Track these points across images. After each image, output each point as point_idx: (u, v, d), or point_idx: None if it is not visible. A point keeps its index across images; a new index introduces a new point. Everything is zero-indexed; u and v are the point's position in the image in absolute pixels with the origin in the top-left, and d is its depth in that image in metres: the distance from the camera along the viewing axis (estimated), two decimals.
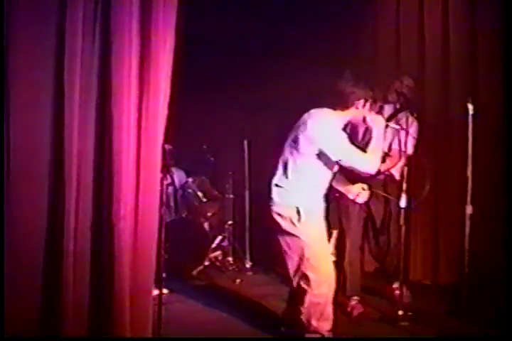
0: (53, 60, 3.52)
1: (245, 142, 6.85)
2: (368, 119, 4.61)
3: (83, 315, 3.59)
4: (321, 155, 4.49)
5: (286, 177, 4.56)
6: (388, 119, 5.35)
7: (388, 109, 5.44)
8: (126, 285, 3.61)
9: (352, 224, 5.42)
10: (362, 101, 4.53)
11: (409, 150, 5.21)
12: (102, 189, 3.61)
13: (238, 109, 7.36)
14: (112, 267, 3.58)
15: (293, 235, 4.53)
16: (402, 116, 5.30)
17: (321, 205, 4.70)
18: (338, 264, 5.43)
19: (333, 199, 5.33)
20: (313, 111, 4.60)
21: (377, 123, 4.60)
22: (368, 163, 4.53)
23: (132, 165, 3.61)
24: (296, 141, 4.53)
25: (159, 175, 3.81)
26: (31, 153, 3.52)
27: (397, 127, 4.99)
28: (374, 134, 4.59)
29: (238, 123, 7.15)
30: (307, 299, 4.53)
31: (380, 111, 5.43)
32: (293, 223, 4.51)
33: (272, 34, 7.52)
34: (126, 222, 3.59)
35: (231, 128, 7.23)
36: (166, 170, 4.05)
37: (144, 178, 3.66)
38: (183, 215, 6.82)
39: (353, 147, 4.49)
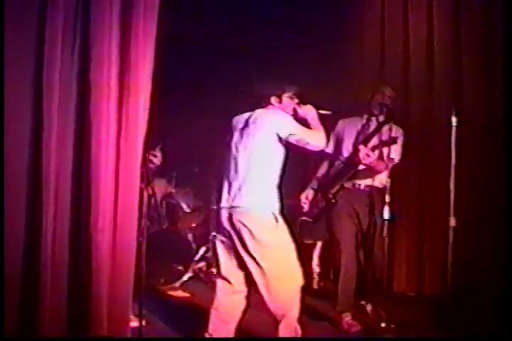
0: (32, 69, 3.50)
1: None
2: (299, 111, 4.62)
3: (61, 328, 3.55)
4: (271, 147, 4.46)
5: (238, 180, 4.47)
6: (373, 132, 5.37)
7: (373, 122, 5.45)
8: (104, 298, 3.59)
9: (345, 235, 5.39)
10: (274, 98, 4.58)
11: (396, 160, 5.21)
12: (80, 200, 3.58)
13: (224, 119, 7.33)
14: (89, 279, 3.55)
15: (264, 243, 4.36)
16: (386, 127, 5.30)
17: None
18: (334, 277, 5.45)
19: (324, 210, 5.34)
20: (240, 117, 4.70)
21: (308, 110, 4.62)
22: (317, 136, 4.52)
23: (111, 176, 3.59)
24: (244, 141, 4.53)
25: (138, 187, 3.77)
26: (9, 163, 3.48)
27: (328, 113, 4.93)
28: (309, 120, 4.60)
29: (223, 134, 7.11)
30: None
31: (367, 123, 5.46)
32: (268, 230, 4.38)
33: (259, 45, 7.54)
34: (105, 234, 3.56)
35: (216, 138, 7.19)
36: (146, 181, 4.03)
37: (123, 190, 3.64)
38: (167, 226, 6.78)
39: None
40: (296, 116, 4.62)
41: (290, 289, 4.45)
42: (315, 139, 4.51)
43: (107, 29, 3.54)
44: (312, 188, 5.57)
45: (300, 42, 7.22)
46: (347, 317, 5.31)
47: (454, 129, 5.00)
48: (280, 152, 4.51)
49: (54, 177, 3.51)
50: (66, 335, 3.54)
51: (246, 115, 4.66)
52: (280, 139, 4.44)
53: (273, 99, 4.60)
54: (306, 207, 5.50)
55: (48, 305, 3.50)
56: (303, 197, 5.55)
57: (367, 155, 5.08)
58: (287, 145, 4.47)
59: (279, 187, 4.54)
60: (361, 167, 5.21)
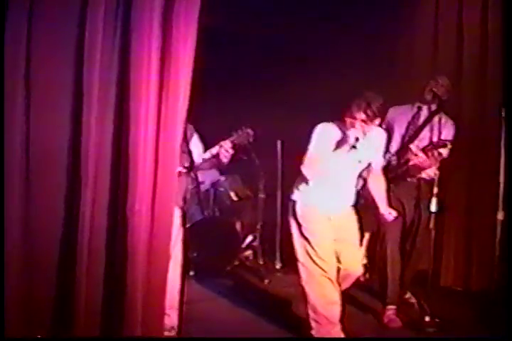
0: (73, 59, 3.53)
1: (279, 142, 6.79)
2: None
3: (96, 310, 3.57)
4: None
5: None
6: (424, 124, 5.31)
7: (424, 111, 5.40)
8: (140, 282, 3.60)
9: (390, 227, 5.34)
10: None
11: (444, 153, 5.12)
12: (119, 183, 3.58)
13: (273, 108, 7.32)
14: (125, 262, 3.57)
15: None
16: (437, 118, 5.25)
17: (328, 205, 4.83)
18: (379, 269, 5.40)
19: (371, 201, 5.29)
20: None
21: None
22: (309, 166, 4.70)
23: (150, 159, 3.59)
24: None
25: (177, 171, 3.76)
26: (49, 147, 3.53)
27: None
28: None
29: (272, 123, 7.09)
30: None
31: (418, 112, 5.40)
32: (293, 216, 4.92)
33: (310, 36, 7.50)
34: (142, 217, 3.57)
35: (265, 127, 7.18)
36: (190, 166, 4.02)
37: (162, 174, 3.63)
38: (214, 214, 6.80)
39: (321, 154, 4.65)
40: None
41: (315, 283, 4.72)
42: (306, 166, 4.71)
43: (148, 23, 3.54)
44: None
45: (349, 34, 7.18)
46: (390, 311, 5.27)
47: (503, 121, 4.92)
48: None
49: (93, 161, 3.53)
50: (101, 320, 3.57)
51: None
52: None
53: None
54: None
55: (84, 287, 3.53)
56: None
57: (415, 155, 5.04)
58: None
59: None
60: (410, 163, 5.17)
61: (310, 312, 4.74)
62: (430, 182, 5.26)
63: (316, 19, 7.24)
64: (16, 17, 3.41)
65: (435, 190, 5.00)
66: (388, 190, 5.16)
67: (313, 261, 4.72)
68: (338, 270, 4.80)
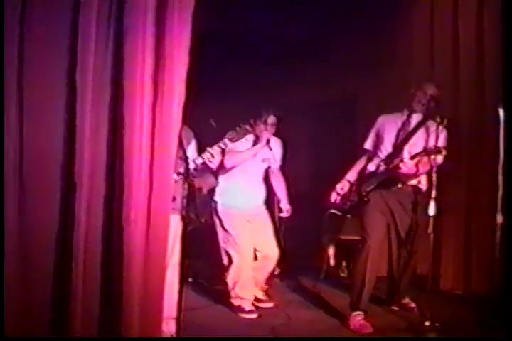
0: (66, 62, 3.47)
1: None
2: None
3: (92, 321, 3.52)
4: None
5: None
6: (416, 127, 5.28)
7: (413, 119, 5.35)
8: (136, 291, 3.55)
9: (374, 232, 5.29)
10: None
11: (438, 160, 5.07)
12: (114, 192, 3.54)
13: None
14: (121, 272, 3.51)
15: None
16: (431, 124, 5.21)
17: (243, 204, 5.67)
18: (358, 274, 5.34)
19: (356, 206, 5.27)
20: None
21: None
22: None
23: (145, 168, 3.55)
24: None
25: (172, 179, 3.73)
26: (43, 155, 3.48)
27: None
28: None
29: None
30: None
31: (407, 119, 5.35)
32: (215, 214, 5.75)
33: (306, 39, 7.50)
34: (137, 226, 3.52)
35: None
36: (186, 174, 3.99)
37: (157, 183, 3.59)
38: (205, 220, 6.77)
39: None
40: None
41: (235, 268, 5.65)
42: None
43: (141, 25, 3.50)
44: (348, 181, 5.50)
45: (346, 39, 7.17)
46: (358, 318, 5.18)
47: (502, 124, 4.88)
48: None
49: (87, 169, 3.48)
50: (98, 331, 3.51)
51: None
52: None
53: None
54: (337, 199, 5.51)
55: (81, 297, 3.47)
56: (338, 187, 5.49)
57: (402, 162, 5.02)
58: None
59: None
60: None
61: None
62: (420, 189, 5.25)
63: (315, 20, 7.25)
64: (8, 18, 3.36)
65: (433, 193, 4.96)
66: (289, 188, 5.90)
67: (235, 250, 5.60)
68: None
